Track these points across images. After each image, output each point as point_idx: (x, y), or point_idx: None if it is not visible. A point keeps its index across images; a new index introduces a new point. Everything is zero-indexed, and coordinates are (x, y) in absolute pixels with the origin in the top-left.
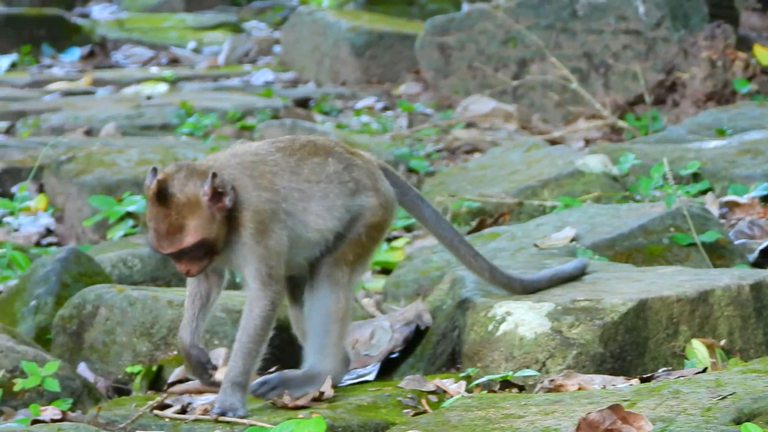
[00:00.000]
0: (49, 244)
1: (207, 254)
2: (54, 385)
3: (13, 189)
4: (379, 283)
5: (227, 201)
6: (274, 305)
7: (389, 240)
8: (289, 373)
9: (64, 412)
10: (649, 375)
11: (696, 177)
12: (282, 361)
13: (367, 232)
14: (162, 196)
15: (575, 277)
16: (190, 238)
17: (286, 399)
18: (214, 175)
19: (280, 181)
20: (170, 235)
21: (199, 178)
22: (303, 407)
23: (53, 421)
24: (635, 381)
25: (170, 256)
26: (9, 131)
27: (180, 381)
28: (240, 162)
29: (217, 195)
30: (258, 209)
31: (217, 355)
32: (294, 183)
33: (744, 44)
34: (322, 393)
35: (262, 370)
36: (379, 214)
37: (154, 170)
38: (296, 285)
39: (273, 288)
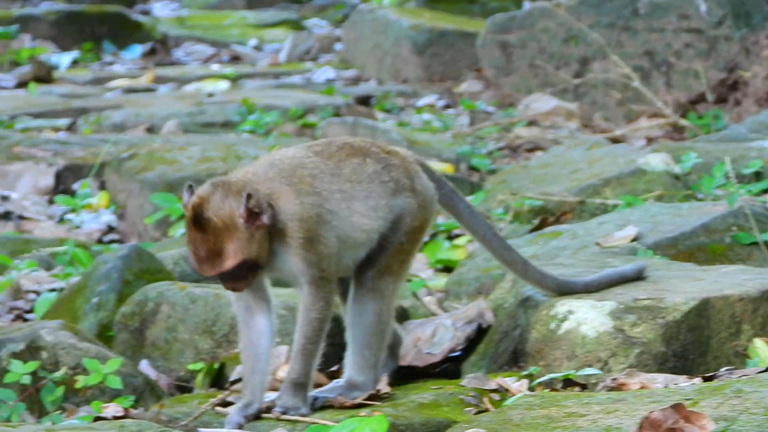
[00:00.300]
0: (111, 241)
1: (251, 270)
2: (116, 383)
3: (75, 186)
4: (441, 281)
5: (265, 219)
6: (329, 304)
7: (450, 238)
8: (331, 387)
9: (126, 409)
10: (711, 374)
11: (758, 176)
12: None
13: (409, 237)
14: (198, 221)
15: (629, 280)
16: (229, 262)
17: (341, 399)
18: (249, 197)
19: (321, 184)
20: (210, 260)
21: (235, 197)
22: (363, 405)
23: (115, 418)
24: (697, 380)
25: (213, 277)
26: (71, 128)
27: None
28: (278, 170)
29: (253, 215)
30: (303, 217)
31: (279, 352)
32: (335, 184)
33: None
34: (379, 390)
35: (324, 367)
36: (418, 217)
37: (190, 188)
38: (346, 285)
39: (326, 289)
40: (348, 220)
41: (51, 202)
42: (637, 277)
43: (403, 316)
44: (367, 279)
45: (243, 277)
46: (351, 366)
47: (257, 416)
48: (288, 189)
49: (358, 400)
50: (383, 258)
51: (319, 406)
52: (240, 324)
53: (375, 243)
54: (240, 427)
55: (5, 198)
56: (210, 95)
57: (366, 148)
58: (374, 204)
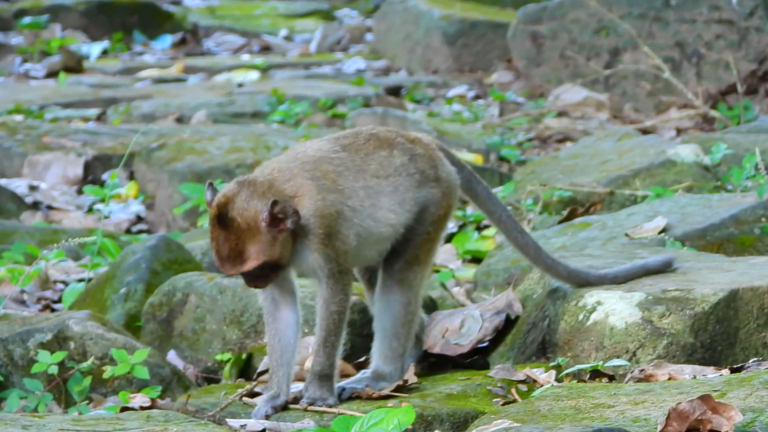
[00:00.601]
0: (140, 232)
1: (273, 270)
2: (143, 373)
3: (104, 176)
4: (469, 271)
5: (289, 224)
6: (347, 296)
7: (479, 229)
8: (358, 378)
9: (153, 400)
10: (739, 365)
11: None
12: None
13: (435, 226)
14: (222, 220)
15: (653, 272)
16: (251, 263)
17: (368, 390)
18: (275, 203)
19: (344, 181)
20: (231, 259)
21: (260, 199)
22: (390, 396)
23: (142, 408)
24: (725, 371)
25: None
26: (100, 118)
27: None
28: (302, 164)
29: (276, 220)
30: (324, 214)
31: (306, 343)
32: (360, 181)
33: None
34: (406, 381)
35: (351, 358)
36: (443, 205)
37: (211, 185)
38: (372, 272)
39: (344, 281)
40: (372, 216)
41: (80, 192)
42: (663, 269)
43: (431, 306)
44: (395, 270)
45: (264, 276)
46: (378, 356)
47: (284, 407)
48: (310, 185)
49: (386, 391)
50: (410, 248)
51: (347, 396)
52: (266, 316)
53: (401, 235)
54: (267, 417)
55: (34, 188)
56: (240, 85)
57: (392, 138)
58: (401, 198)
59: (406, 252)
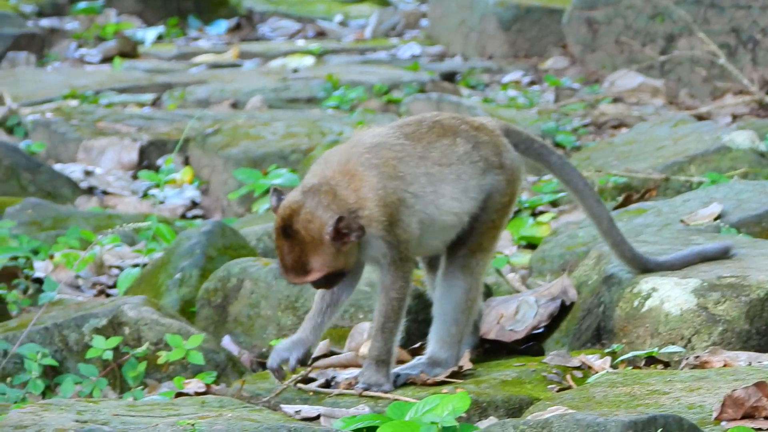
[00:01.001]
0: (194, 217)
1: (338, 277)
2: (198, 358)
3: (159, 161)
4: (524, 257)
5: (354, 237)
6: (408, 283)
7: (535, 215)
8: (413, 364)
9: (208, 385)
10: None
11: None
12: (427, 335)
13: (499, 214)
14: (287, 232)
15: (711, 259)
16: (315, 274)
17: (423, 376)
18: (340, 219)
19: (406, 168)
20: (295, 270)
21: (325, 212)
22: (445, 382)
23: (197, 394)
24: None
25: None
26: (155, 103)
27: (325, 355)
28: (361, 155)
29: (341, 235)
30: (386, 202)
31: (362, 329)
32: (422, 168)
33: None
34: (461, 367)
35: (406, 344)
36: (507, 192)
37: (276, 191)
38: (435, 256)
39: (405, 268)
40: (434, 204)
41: (135, 177)
42: (721, 256)
43: (486, 293)
44: (458, 256)
45: (330, 283)
46: (435, 342)
47: (304, 360)
48: (371, 172)
49: (440, 377)
50: (474, 236)
51: (402, 383)
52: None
53: (466, 224)
54: (279, 370)
55: (89, 173)
56: (295, 71)
57: (456, 126)
58: (464, 186)
59: (470, 239)
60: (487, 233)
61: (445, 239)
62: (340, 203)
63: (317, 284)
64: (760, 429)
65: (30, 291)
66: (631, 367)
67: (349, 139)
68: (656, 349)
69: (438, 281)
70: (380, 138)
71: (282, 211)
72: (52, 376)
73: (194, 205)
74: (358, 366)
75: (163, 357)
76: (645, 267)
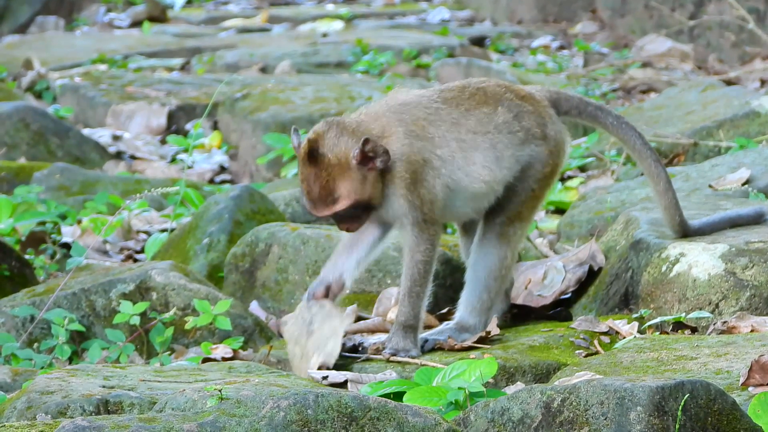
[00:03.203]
0: (223, 182)
1: (365, 210)
2: (225, 324)
3: (188, 126)
4: (552, 223)
5: (378, 163)
6: (434, 246)
7: (563, 180)
8: (441, 330)
9: (235, 351)
10: None
11: None
12: (455, 300)
13: (540, 184)
14: (313, 156)
15: (746, 223)
16: (343, 201)
17: (451, 341)
18: (366, 141)
19: (436, 130)
20: (323, 198)
21: (351, 137)
22: (473, 347)
23: (224, 359)
24: None
25: (327, 218)
26: (184, 68)
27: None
28: (391, 108)
29: (367, 158)
30: (410, 159)
31: (389, 294)
32: (453, 133)
33: None
34: (488, 332)
35: (434, 309)
36: (549, 163)
37: (296, 131)
38: (469, 226)
39: (430, 230)
40: (464, 170)
41: (163, 142)
42: (755, 222)
43: None
44: (496, 224)
45: (357, 217)
46: (465, 307)
47: (326, 294)
48: (398, 129)
49: (468, 343)
50: (513, 205)
51: (429, 348)
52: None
53: (501, 192)
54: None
55: (118, 137)
56: (324, 35)
57: (500, 94)
58: (497, 155)
59: (508, 208)
60: (527, 202)
61: (476, 207)
62: (365, 131)
63: (344, 218)
64: None
65: (57, 256)
66: (658, 333)
67: (387, 96)
68: (684, 314)
69: (474, 247)
70: (416, 98)
71: (308, 137)
72: (79, 341)
73: (222, 169)
74: (386, 331)
75: (190, 322)
76: (685, 232)
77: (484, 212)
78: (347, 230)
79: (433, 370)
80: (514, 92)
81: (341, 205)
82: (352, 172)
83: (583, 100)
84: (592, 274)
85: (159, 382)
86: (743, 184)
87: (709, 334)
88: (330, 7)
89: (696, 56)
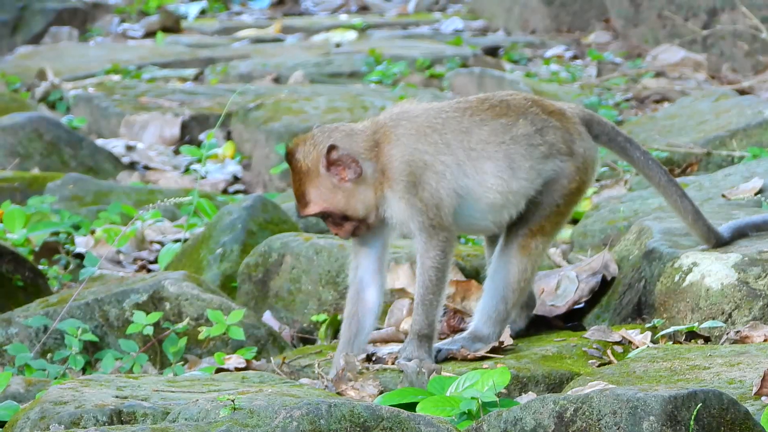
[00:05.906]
0: (236, 192)
1: (347, 221)
2: (239, 334)
3: (201, 136)
4: (566, 232)
5: (350, 174)
6: (445, 253)
7: None
8: (454, 339)
9: (248, 361)
10: None
11: None
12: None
13: (566, 200)
14: (288, 160)
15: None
16: (312, 207)
17: (464, 351)
18: (331, 148)
19: (440, 137)
20: (299, 200)
21: (326, 143)
22: (486, 357)
23: (237, 369)
24: None
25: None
26: (197, 78)
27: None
28: (398, 116)
29: (335, 166)
30: (408, 161)
31: (401, 305)
32: (462, 141)
33: None
34: (501, 342)
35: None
36: (576, 179)
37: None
38: (495, 238)
39: (440, 236)
40: (474, 178)
41: (177, 152)
42: None
43: None
44: (518, 236)
45: (338, 224)
46: (480, 317)
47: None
48: (400, 134)
49: (481, 353)
50: (536, 218)
51: (443, 358)
52: (350, 293)
53: (522, 206)
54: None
55: (131, 148)
56: (337, 45)
57: (524, 108)
58: (513, 166)
59: (531, 221)
60: (550, 217)
61: (495, 219)
62: (355, 140)
63: (328, 220)
64: None
65: (71, 266)
66: (671, 342)
67: (396, 105)
68: (697, 324)
69: (495, 257)
70: (426, 108)
71: (291, 142)
72: (92, 351)
73: (236, 179)
74: (399, 341)
75: (203, 332)
76: (721, 243)
77: (505, 225)
78: (336, 234)
79: (446, 379)
80: (541, 107)
81: (311, 210)
82: (322, 179)
83: (615, 129)
84: (605, 284)
85: (172, 392)
86: (756, 194)
87: (722, 344)
88: (343, 18)
89: (709, 66)
